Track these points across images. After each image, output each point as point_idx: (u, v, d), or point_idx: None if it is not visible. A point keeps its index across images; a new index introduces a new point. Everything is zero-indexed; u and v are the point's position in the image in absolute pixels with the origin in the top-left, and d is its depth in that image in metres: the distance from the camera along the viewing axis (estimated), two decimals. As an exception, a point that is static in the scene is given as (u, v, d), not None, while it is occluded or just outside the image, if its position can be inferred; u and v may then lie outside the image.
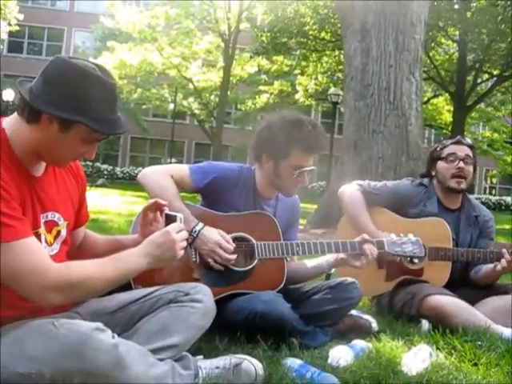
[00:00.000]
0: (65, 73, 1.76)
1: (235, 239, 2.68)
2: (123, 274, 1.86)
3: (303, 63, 24.11)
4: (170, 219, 2.08)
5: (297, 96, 26.78)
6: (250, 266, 2.67)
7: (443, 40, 21.61)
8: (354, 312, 2.97)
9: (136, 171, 34.41)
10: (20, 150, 1.80)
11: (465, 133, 22.53)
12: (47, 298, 1.71)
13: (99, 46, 30.82)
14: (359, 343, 2.62)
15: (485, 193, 39.13)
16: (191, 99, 30.99)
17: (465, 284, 3.37)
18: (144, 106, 31.89)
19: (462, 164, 3.37)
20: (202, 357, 2.20)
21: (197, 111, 31.54)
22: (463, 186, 3.39)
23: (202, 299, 2.08)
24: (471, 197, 3.59)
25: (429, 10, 9.74)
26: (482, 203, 3.71)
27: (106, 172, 33.89)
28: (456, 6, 20.02)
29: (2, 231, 1.64)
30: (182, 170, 2.75)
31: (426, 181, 3.54)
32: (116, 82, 1.87)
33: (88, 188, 2.22)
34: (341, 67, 19.15)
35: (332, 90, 21.37)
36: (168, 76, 29.72)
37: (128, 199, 14.90)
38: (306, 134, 2.65)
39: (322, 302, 2.75)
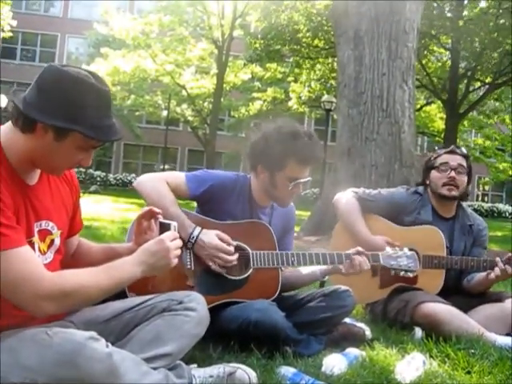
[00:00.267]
0: (58, 81, 1.76)
1: None
2: (117, 282, 1.86)
3: (296, 70, 24.14)
4: (164, 227, 2.08)
5: (290, 103, 26.81)
6: (245, 275, 2.67)
7: (436, 48, 21.72)
8: (347, 320, 2.98)
9: (129, 178, 34.37)
10: (14, 158, 1.80)
11: (457, 140, 22.62)
12: (41, 306, 1.70)
13: (93, 53, 30.79)
14: (353, 351, 2.62)
15: (477, 200, 39.23)
16: (184, 106, 30.98)
17: (458, 292, 3.38)
18: (137, 113, 31.84)
19: (453, 173, 3.38)
20: (195, 365, 2.19)
21: (190, 118, 31.54)
22: (454, 193, 3.40)
23: (196, 308, 2.08)
24: (465, 205, 3.60)
25: (421, 18, 9.80)
26: (475, 210, 3.74)
27: (98, 179, 33.79)
28: (448, 15, 20.15)
29: (-4, 240, 1.64)
30: (179, 177, 2.75)
31: (420, 189, 3.55)
32: (110, 89, 1.87)
33: (81, 195, 2.22)
34: (334, 75, 19.20)
35: (325, 97, 21.42)
36: (161, 83, 29.70)
37: (121, 206, 14.86)
38: (301, 146, 2.65)
39: (315, 310, 2.75)
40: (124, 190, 30.46)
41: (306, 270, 2.91)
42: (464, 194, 3.49)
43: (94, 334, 1.73)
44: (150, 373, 1.85)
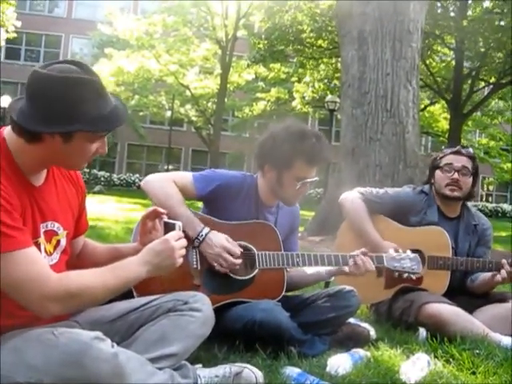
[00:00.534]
0: (48, 88, 1.73)
1: None
2: (123, 282, 1.86)
3: (300, 70, 24.14)
4: (168, 227, 2.08)
5: (294, 103, 26.80)
6: (251, 275, 2.67)
7: (440, 48, 21.70)
8: (352, 320, 2.97)
9: (133, 178, 34.42)
10: (22, 159, 1.80)
11: (462, 140, 22.58)
12: (47, 307, 1.71)
13: (97, 53, 30.85)
14: (358, 352, 2.62)
15: (482, 200, 39.15)
16: (188, 106, 31.00)
17: (463, 292, 3.38)
18: (141, 113, 31.85)
19: (456, 175, 3.37)
20: (201, 365, 2.20)
21: (194, 118, 31.55)
22: (457, 193, 3.39)
23: (201, 308, 2.08)
24: (470, 205, 3.60)
25: (425, 17, 9.78)
26: (479, 210, 3.72)
27: (102, 179, 33.82)
28: (452, 14, 20.12)
29: (3, 241, 1.64)
30: (186, 177, 2.76)
31: (426, 188, 3.54)
32: (97, 75, 1.84)
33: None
34: (338, 75, 19.20)
35: (329, 97, 21.43)
36: (165, 83, 29.71)
37: (125, 206, 14.88)
38: (309, 145, 2.66)
39: (320, 310, 2.75)
40: (128, 190, 30.51)
41: (310, 269, 2.92)
42: (469, 195, 3.48)
43: (99, 334, 1.74)
44: (156, 373, 1.86)
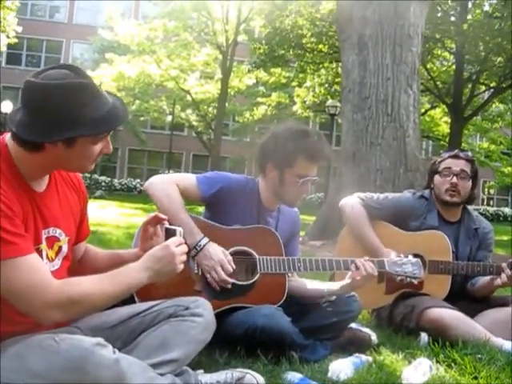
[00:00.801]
0: (43, 98, 1.73)
1: (238, 253, 2.69)
2: (124, 288, 1.86)
3: (301, 75, 24.20)
4: (169, 233, 2.08)
5: (294, 108, 26.85)
6: (252, 281, 2.67)
7: (440, 52, 21.74)
8: (353, 325, 2.98)
9: (134, 183, 34.45)
10: (24, 166, 1.80)
11: (462, 144, 22.59)
12: (48, 314, 1.71)
13: (97, 58, 30.92)
14: (359, 356, 2.62)
15: (483, 204, 39.16)
16: (189, 111, 31.05)
17: (464, 297, 3.37)
18: (142, 118, 31.92)
19: (455, 179, 3.37)
20: (202, 371, 2.20)
21: (195, 123, 31.60)
22: (456, 199, 3.39)
23: (203, 313, 2.08)
24: (471, 209, 3.59)
25: (425, 22, 9.80)
26: (480, 214, 3.71)
27: (103, 184, 33.86)
28: (452, 19, 20.16)
29: (4, 248, 1.65)
30: (189, 179, 2.77)
31: (426, 193, 3.54)
32: (89, 76, 1.84)
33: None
34: (338, 79, 19.22)
35: (330, 101, 21.47)
36: (166, 88, 29.77)
37: (126, 211, 14.88)
38: (311, 143, 2.70)
39: (322, 315, 2.75)
40: (129, 195, 30.53)
41: (312, 284, 2.92)
42: (469, 199, 3.48)
43: (101, 340, 1.74)
44: (157, 378, 1.86)
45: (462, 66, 21.20)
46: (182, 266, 1.98)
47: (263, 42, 22.16)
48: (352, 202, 3.50)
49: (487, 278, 3.27)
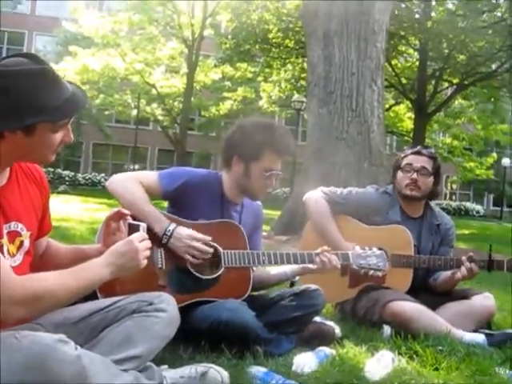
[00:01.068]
0: (1, 84, 1.71)
1: None
2: (86, 284, 1.84)
3: (267, 70, 24.21)
4: (133, 228, 2.07)
5: (260, 103, 26.88)
6: (216, 274, 2.67)
7: (404, 48, 21.99)
8: (317, 319, 2.99)
9: (98, 177, 34.04)
10: None
11: (426, 139, 22.91)
12: (10, 311, 1.68)
13: (61, 51, 30.39)
14: (323, 350, 2.64)
15: (445, 198, 39.81)
16: (154, 105, 30.79)
17: (426, 290, 3.43)
18: (107, 112, 31.54)
19: (415, 175, 3.41)
20: (166, 366, 2.18)
21: (160, 117, 31.36)
22: (415, 193, 3.43)
23: (167, 308, 2.07)
24: (433, 205, 3.64)
25: (390, 18, 9.90)
26: (443, 209, 3.78)
27: (67, 178, 33.36)
28: (417, 16, 20.41)
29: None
30: (151, 175, 2.76)
31: (390, 188, 3.58)
32: (47, 63, 1.83)
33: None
34: (304, 75, 19.29)
35: (295, 96, 21.55)
36: (131, 82, 29.45)
37: (90, 206, 14.69)
38: (278, 137, 2.72)
39: (286, 309, 2.77)
40: (93, 189, 30.13)
41: (276, 269, 2.94)
42: (431, 194, 3.52)
43: (62, 336, 1.71)
44: (120, 375, 1.84)
45: (426, 62, 21.50)
46: (145, 262, 1.97)
47: (229, 36, 22.10)
48: (316, 197, 3.52)
49: (448, 272, 3.33)
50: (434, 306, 3.23)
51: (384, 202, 3.51)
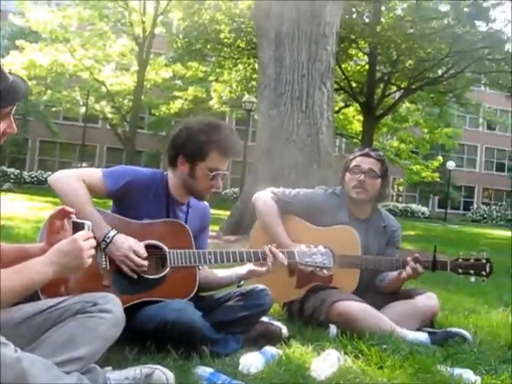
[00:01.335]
0: None
1: (147, 247, 2.64)
2: (28, 283, 1.80)
3: (218, 70, 24.20)
4: (77, 227, 2.02)
5: (211, 102, 26.86)
6: (162, 274, 2.64)
7: (354, 52, 22.32)
8: (265, 319, 3.00)
9: (45, 175, 33.31)
10: None
11: (374, 142, 23.32)
12: None
13: (7, 45, 29.60)
14: (270, 350, 2.64)
15: (392, 200, 40.58)
16: (104, 103, 30.36)
17: (372, 289, 3.47)
18: (54, 109, 30.93)
19: (362, 177, 3.43)
20: (110, 368, 2.15)
21: (109, 115, 30.93)
22: (362, 196, 3.46)
23: (111, 309, 2.03)
24: (380, 207, 3.69)
25: (341, 22, 10.02)
26: (389, 210, 3.83)
27: (12, 176, 32.56)
28: (367, 20, 20.76)
29: None
30: (95, 173, 2.71)
31: (338, 190, 3.60)
32: None
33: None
34: (255, 75, 19.37)
35: (246, 97, 21.58)
36: (80, 78, 28.96)
37: (36, 205, 14.36)
38: (224, 137, 2.70)
39: (233, 309, 2.76)
40: (39, 188, 29.46)
41: (222, 272, 2.93)
42: (379, 196, 3.57)
43: (2, 338, 1.66)
44: (62, 377, 1.79)
45: (375, 66, 21.90)
46: (89, 261, 1.93)
47: (181, 35, 22.00)
48: (264, 197, 3.53)
49: (395, 272, 3.38)
50: (379, 305, 3.28)
51: (332, 203, 3.54)
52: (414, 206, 41.48)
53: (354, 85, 22.45)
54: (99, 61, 28.33)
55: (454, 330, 3.24)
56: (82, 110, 29.93)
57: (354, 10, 20.03)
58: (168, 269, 2.64)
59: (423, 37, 18.90)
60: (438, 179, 35.04)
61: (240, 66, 23.18)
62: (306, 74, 8.99)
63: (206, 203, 2.97)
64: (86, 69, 27.95)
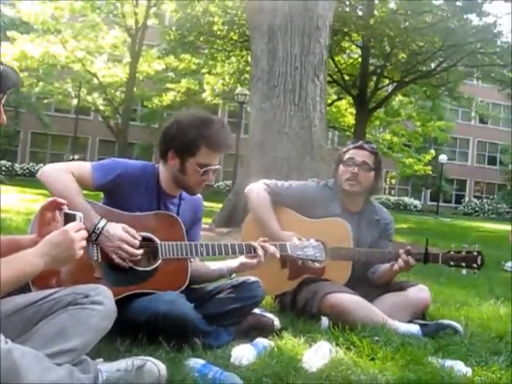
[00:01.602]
0: None
1: None
2: (19, 275, 1.79)
3: (211, 62, 24.13)
4: (69, 218, 2.01)
5: (204, 95, 26.80)
6: (153, 266, 2.63)
7: (347, 45, 22.30)
8: (257, 310, 3.00)
9: (36, 167, 33.15)
10: None
11: (366, 135, 23.34)
12: None
13: (-2, 36, 29.47)
14: (262, 341, 2.65)
15: (385, 193, 40.69)
16: (96, 95, 30.22)
17: (364, 282, 3.48)
18: (46, 101, 30.79)
19: (356, 170, 3.44)
20: (102, 360, 2.14)
21: (101, 107, 30.80)
22: (355, 188, 3.47)
23: (103, 301, 2.02)
24: (373, 200, 3.69)
25: (334, 15, 10.00)
26: (382, 203, 3.83)
27: (4, 168, 32.42)
28: (360, 13, 20.74)
29: None
30: (84, 166, 2.69)
31: (331, 182, 3.60)
32: None
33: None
34: (248, 68, 19.33)
35: (239, 89, 21.54)
36: (72, 70, 28.83)
37: (27, 197, 14.31)
38: (214, 132, 2.66)
39: (225, 301, 2.76)
40: (31, 180, 29.22)
41: (213, 265, 2.92)
42: (372, 189, 3.57)
43: (-8, 330, 1.66)
44: (53, 369, 1.79)
45: (368, 59, 21.89)
46: (81, 252, 1.92)
47: (174, 27, 21.91)
48: (257, 189, 3.53)
49: (387, 265, 3.39)
50: (371, 297, 3.29)
51: (324, 195, 3.54)
52: (407, 199, 41.61)
53: (346, 78, 22.44)
54: (91, 52, 28.20)
55: (446, 322, 3.26)
56: (74, 101, 29.80)
57: (347, 2, 20.04)
58: (160, 261, 2.64)
59: (416, 30, 18.91)
60: (431, 172, 35.15)
61: (233, 59, 23.12)
62: (299, 67, 8.97)
63: (199, 196, 2.95)
64: (78, 60, 27.81)
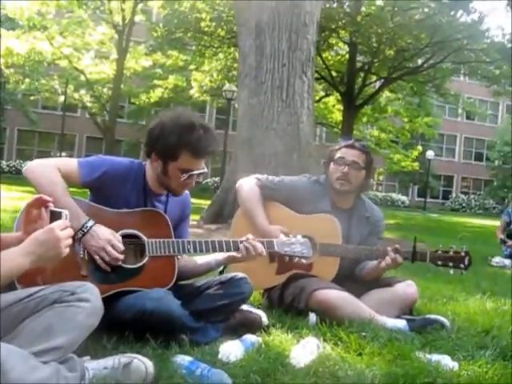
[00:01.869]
0: None
1: (126, 236, 2.62)
2: (5, 273, 1.78)
3: (199, 59, 24.06)
4: (55, 216, 1.99)
5: (192, 91, 26.72)
6: (140, 264, 2.62)
7: (335, 41, 22.32)
8: (244, 307, 3.00)
9: (23, 165, 32.77)
10: None
11: (354, 131, 23.39)
12: None
13: (-17, 32, 29.20)
14: (249, 338, 2.65)
15: (372, 189, 40.82)
16: (83, 91, 30.06)
17: (352, 278, 3.49)
18: (32, 98, 30.57)
19: (346, 169, 3.44)
20: (89, 357, 2.14)
21: (89, 104, 30.65)
22: (345, 187, 3.47)
23: (89, 298, 2.02)
24: (364, 197, 3.69)
25: (321, 11, 10.01)
26: (370, 199, 3.83)
27: (-10, 166, 32.17)
28: (348, 10, 20.76)
29: None
30: (71, 163, 2.66)
31: (322, 178, 3.60)
32: None
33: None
34: (236, 64, 19.29)
35: (226, 86, 21.52)
36: (58, 66, 28.63)
37: (14, 194, 14.22)
38: (196, 138, 2.61)
39: (213, 297, 2.76)
40: (18, 177, 29.02)
41: (201, 259, 2.92)
42: (362, 187, 3.57)
43: (-23, 328, 1.65)
44: (39, 367, 1.78)
45: (355, 56, 21.93)
46: (67, 250, 1.90)
47: (161, 24, 21.82)
48: (249, 183, 3.53)
49: (374, 262, 3.40)
50: (358, 293, 3.30)
51: (315, 191, 3.55)
52: (394, 195, 41.79)
53: (334, 74, 22.46)
54: (78, 49, 28.04)
55: (433, 316, 3.27)
56: (61, 98, 29.62)
57: (334, -1, 20.05)
58: (147, 258, 2.63)
59: (403, 27, 18.96)
60: (418, 168, 35.28)
61: (220, 55, 23.07)
62: (287, 63, 8.98)
63: (187, 192, 2.93)
64: (65, 57, 27.64)
